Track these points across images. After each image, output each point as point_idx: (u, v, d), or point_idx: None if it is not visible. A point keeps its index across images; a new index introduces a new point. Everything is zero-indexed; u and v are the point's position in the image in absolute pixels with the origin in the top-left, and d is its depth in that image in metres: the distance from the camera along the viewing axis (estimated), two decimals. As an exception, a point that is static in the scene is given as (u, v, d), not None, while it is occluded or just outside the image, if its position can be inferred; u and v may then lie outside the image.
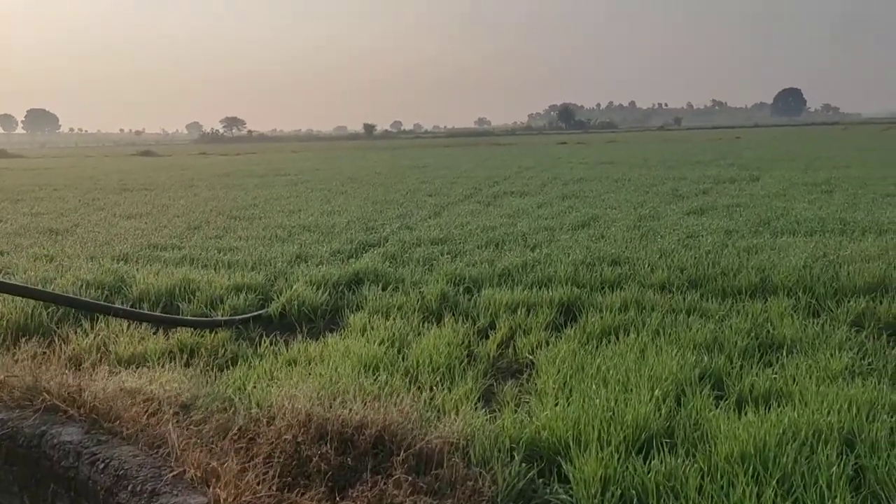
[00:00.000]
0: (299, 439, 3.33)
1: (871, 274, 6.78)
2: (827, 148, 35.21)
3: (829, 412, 3.63)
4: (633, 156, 34.41)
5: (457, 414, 3.94)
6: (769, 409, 3.82)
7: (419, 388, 4.58)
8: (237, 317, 6.58)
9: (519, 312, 6.29)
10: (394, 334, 5.77)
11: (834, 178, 17.55)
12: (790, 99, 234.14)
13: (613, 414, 3.71)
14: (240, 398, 4.22)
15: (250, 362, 5.27)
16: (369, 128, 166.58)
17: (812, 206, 12.11)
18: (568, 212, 12.91)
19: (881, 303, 6.04)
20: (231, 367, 5.26)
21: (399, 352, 5.38)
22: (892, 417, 3.59)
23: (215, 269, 8.36)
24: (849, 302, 6.12)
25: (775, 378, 4.37)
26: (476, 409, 4.13)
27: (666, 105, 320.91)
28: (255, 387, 4.51)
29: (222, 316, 6.66)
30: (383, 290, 7.29)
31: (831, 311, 6.02)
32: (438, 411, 4.10)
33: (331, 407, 3.71)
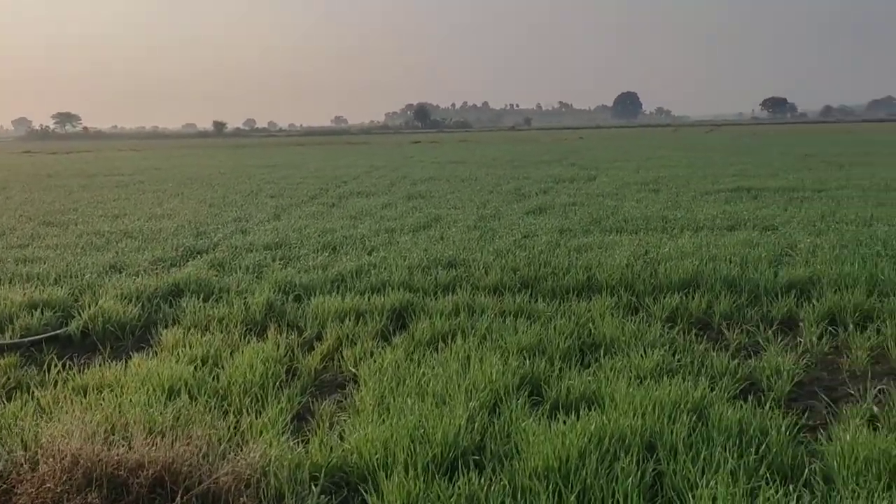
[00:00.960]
0: (60, 488, 2.87)
1: (686, 270, 7.13)
2: (658, 148, 37.77)
3: (634, 415, 3.66)
4: (484, 155, 35.18)
5: (262, 441, 3.61)
6: (581, 414, 3.80)
7: (226, 412, 4.20)
8: (27, 339, 5.82)
9: (348, 321, 6.03)
10: (208, 351, 5.31)
11: (661, 177, 18.72)
12: (628, 102, 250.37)
13: (425, 431, 3.54)
14: (5, 439, 3.65)
15: (32, 392, 4.63)
16: (219, 125, 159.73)
17: (639, 205, 12.77)
18: (412, 212, 12.80)
19: (693, 298, 6.34)
20: (9, 400, 4.59)
21: (211, 371, 4.94)
22: (691, 417, 3.68)
23: (10, 284, 7.42)
24: (665, 298, 6.38)
25: (590, 381, 4.40)
26: (285, 433, 3.82)
27: (517, 106, 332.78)
28: (28, 423, 3.93)
29: (11, 338, 5.87)
30: (205, 301, 6.77)
31: (648, 308, 6.24)
32: (241, 439, 3.75)
33: (108, 445, 3.26)
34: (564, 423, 3.62)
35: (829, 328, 5.63)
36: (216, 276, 7.74)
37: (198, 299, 6.76)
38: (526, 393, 4.25)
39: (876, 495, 2.87)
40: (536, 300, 6.57)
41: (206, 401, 4.34)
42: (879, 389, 4.40)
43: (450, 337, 5.50)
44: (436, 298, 6.69)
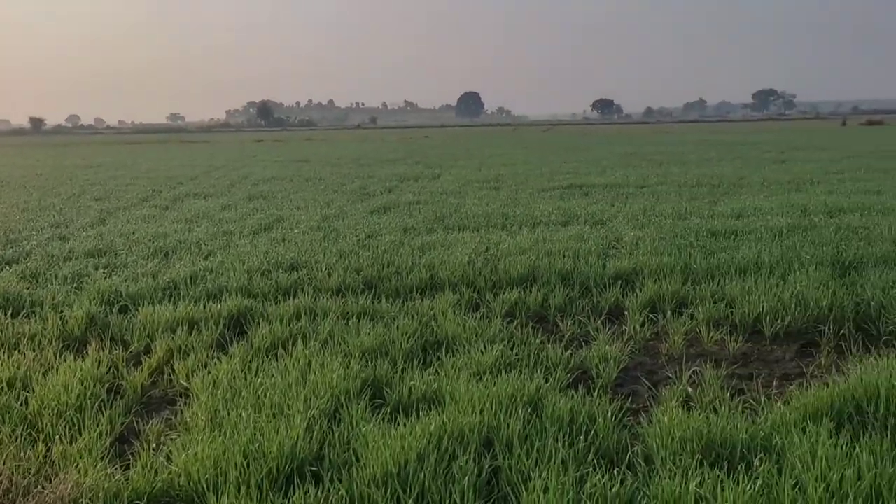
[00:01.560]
0: None
1: (524, 266, 7.39)
2: (499, 147, 39.11)
3: (473, 412, 3.71)
4: (329, 154, 34.72)
5: (75, 470, 3.29)
6: (422, 415, 3.81)
7: (35, 441, 3.79)
8: None
9: (181, 331, 5.67)
10: (15, 373, 4.78)
11: (502, 175, 19.38)
12: (471, 102, 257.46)
13: (261, 445, 3.38)
14: None
15: None
16: (37, 122, 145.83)
17: (481, 203, 13.12)
18: (253, 214, 12.34)
19: (531, 293, 6.58)
20: None
21: (19, 396, 4.45)
22: (527, 410, 3.79)
23: None
24: (504, 294, 6.57)
25: (432, 380, 4.42)
26: (103, 459, 3.50)
27: (363, 104, 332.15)
28: None
29: None
30: (14, 317, 6.10)
31: (489, 304, 6.39)
32: (52, 470, 3.39)
33: None
34: (405, 425, 3.60)
35: (651, 315, 6.05)
36: (28, 288, 7.02)
37: (5, 315, 6.09)
38: (368, 397, 4.20)
39: (690, 472, 3.10)
40: (380, 301, 6.53)
41: (12, 430, 3.89)
42: (693, 371, 4.77)
43: (290, 343, 5.33)
44: (276, 303, 6.47)
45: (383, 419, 3.84)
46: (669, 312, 6.03)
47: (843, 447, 3.22)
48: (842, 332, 5.44)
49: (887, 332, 5.36)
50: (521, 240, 8.95)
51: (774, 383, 4.62)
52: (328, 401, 4.00)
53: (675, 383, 4.54)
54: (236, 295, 6.64)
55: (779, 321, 5.61)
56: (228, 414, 3.89)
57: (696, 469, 3.12)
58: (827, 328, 5.45)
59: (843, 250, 7.61)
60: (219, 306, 6.22)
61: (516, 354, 5.00)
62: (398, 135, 73.69)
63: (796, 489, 2.92)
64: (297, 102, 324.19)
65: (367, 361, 4.81)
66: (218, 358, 5.11)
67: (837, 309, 5.71)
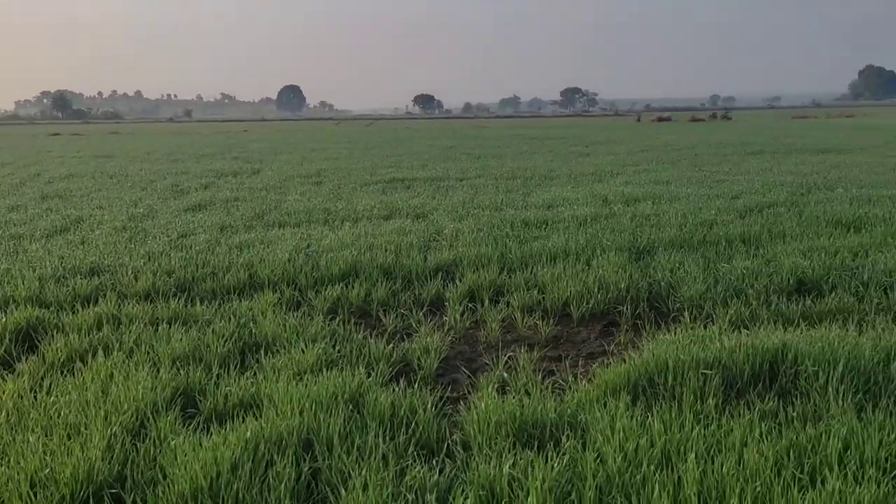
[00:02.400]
0: None
1: (346, 261, 7.32)
2: (322, 141, 38.53)
3: (292, 414, 3.61)
4: (137, 148, 32.34)
5: None
6: (238, 421, 3.64)
7: None
8: None
9: (-46, 351, 4.99)
10: None
11: (324, 169, 19.11)
12: (291, 95, 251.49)
13: (51, 471, 3.05)
14: None
15: None
16: None
17: (303, 198, 12.85)
18: (46, 215, 11.19)
19: (353, 288, 6.54)
20: None
21: None
22: (348, 408, 3.76)
23: None
24: (326, 290, 6.47)
25: (250, 384, 4.25)
26: None
27: (175, 96, 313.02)
28: None
29: None
30: None
31: (311, 301, 6.27)
32: None
33: None
34: (219, 434, 3.42)
35: (470, 305, 6.25)
36: None
37: None
38: (179, 407, 3.95)
39: (504, 455, 3.22)
40: (194, 304, 6.17)
41: None
42: (509, 356, 4.99)
43: (90, 355, 4.88)
44: (74, 312, 5.91)
45: (196, 430, 3.62)
46: (487, 301, 6.26)
47: (638, 418, 3.52)
48: (638, 311, 5.94)
49: (675, 309, 5.92)
50: (344, 235, 8.88)
51: (581, 363, 4.95)
52: (132, 415, 3.70)
53: (492, 369, 4.71)
54: (25, 305, 5.98)
55: (584, 304, 6.01)
56: (13, 440, 3.48)
57: (509, 451, 3.26)
58: (625, 308, 5.93)
59: (638, 236, 8.33)
60: (3, 319, 5.56)
61: (338, 352, 4.94)
62: (215, 128, 70.21)
63: (598, 461, 3.14)
64: (100, 93, 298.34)
65: (178, 369, 4.52)
66: (2, 377, 4.56)
67: (634, 290, 6.23)
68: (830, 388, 3.76)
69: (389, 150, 28.68)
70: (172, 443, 3.38)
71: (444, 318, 5.97)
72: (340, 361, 4.72)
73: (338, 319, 5.79)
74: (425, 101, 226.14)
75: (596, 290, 6.21)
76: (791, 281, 6.43)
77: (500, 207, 11.26)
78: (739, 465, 3.02)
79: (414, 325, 5.76)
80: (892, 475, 2.92)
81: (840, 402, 3.63)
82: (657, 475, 2.97)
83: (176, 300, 6.22)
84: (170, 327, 5.47)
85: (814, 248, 7.61)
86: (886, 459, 3.04)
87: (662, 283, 6.39)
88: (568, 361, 4.98)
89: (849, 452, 3.11)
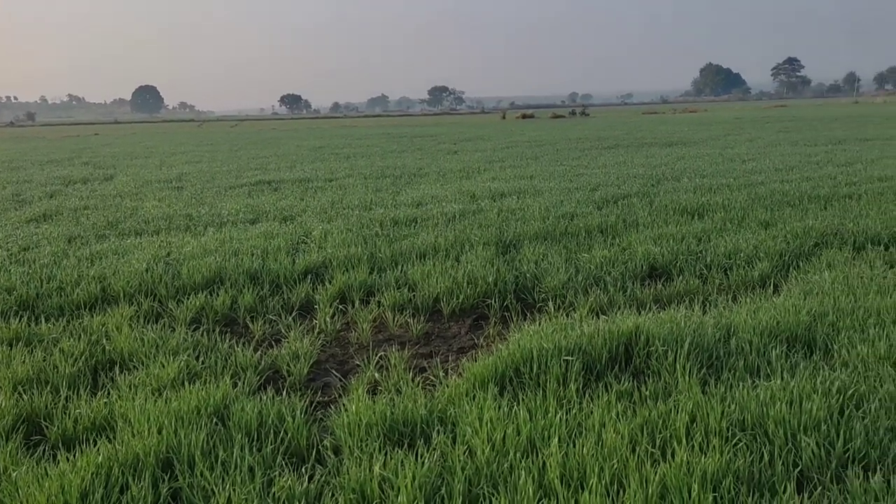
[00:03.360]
0: None
1: (210, 268, 7.02)
2: (183, 144, 36.78)
3: (150, 433, 3.42)
4: (-31, 156, 29.44)
5: None
6: (89, 446, 3.40)
7: None
8: None
9: None
10: None
11: (186, 173, 18.25)
12: (147, 96, 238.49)
13: None
14: None
15: None
16: None
17: (162, 204, 12.20)
18: None
19: (218, 296, 6.28)
20: None
21: None
22: (212, 421, 3.61)
23: None
24: (189, 300, 6.18)
25: (103, 404, 3.98)
26: None
27: (15, 98, 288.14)
28: None
29: None
30: None
31: (172, 312, 5.97)
32: None
33: None
34: (67, 461, 3.18)
35: (341, 307, 6.18)
36: None
37: None
38: (21, 435, 3.63)
39: (375, 456, 3.21)
40: (39, 322, 5.71)
41: None
42: (380, 356, 4.98)
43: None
44: None
45: (41, 459, 3.35)
46: (358, 302, 6.22)
47: (505, 408, 3.61)
48: (506, 304, 6.11)
49: (540, 300, 6.15)
50: (207, 241, 8.52)
51: (451, 358, 5.02)
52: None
53: (363, 371, 4.68)
54: None
55: (455, 299, 6.11)
56: None
57: (380, 452, 3.25)
58: (494, 301, 6.08)
59: (505, 230, 8.57)
60: None
61: (202, 363, 4.73)
62: (62, 132, 65.21)
63: (467, 454, 3.19)
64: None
65: (21, 394, 4.16)
66: None
67: (501, 283, 6.40)
68: (678, 366, 4.03)
69: (256, 151, 27.83)
70: (13, 475, 3.10)
71: (315, 321, 5.86)
72: (204, 374, 4.52)
73: (202, 329, 5.55)
74: (292, 101, 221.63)
75: (465, 285, 6.32)
76: (644, 267, 6.85)
77: (370, 207, 11.21)
78: (598, 445, 3.18)
79: (283, 330, 5.62)
80: (732, 443, 3.17)
81: (686, 378, 3.91)
82: (523, 462, 3.07)
83: (18, 319, 5.72)
84: (11, 349, 5.03)
85: (663, 235, 8.15)
86: (728, 429, 3.29)
87: (528, 276, 6.61)
88: (439, 357, 5.03)
89: (695, 424, 3.35)
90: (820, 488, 2.83)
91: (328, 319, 5.79)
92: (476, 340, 5.40)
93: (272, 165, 20.28)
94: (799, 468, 3.00)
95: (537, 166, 17.41)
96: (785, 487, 2.83)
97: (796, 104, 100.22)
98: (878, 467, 2.95)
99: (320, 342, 5.34)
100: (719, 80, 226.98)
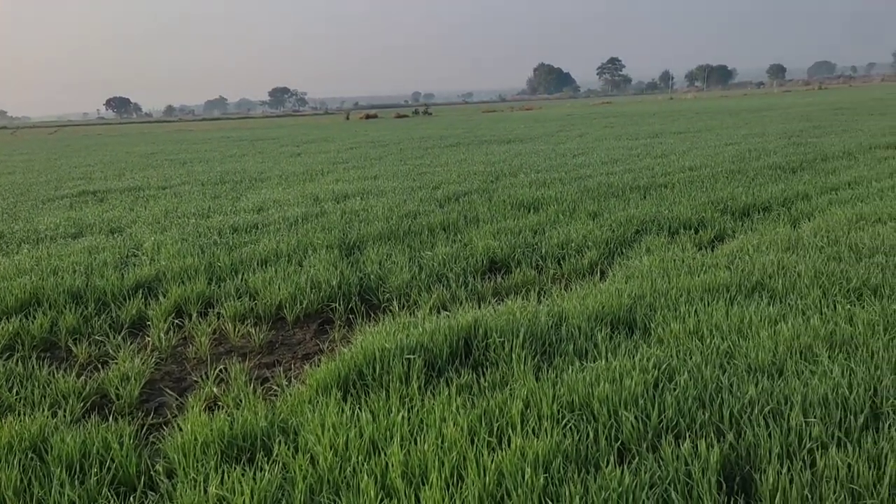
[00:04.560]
0: None
1: (24, 289, 6.42)
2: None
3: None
4: None
5: None
6: None
7: None
8: None
9: None
10: None
11: (-5, 186, 16.54)
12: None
13: None
14: None
15: None
16: None
17: (-34, 221, 10.97)
18: None
19: (34, 319, 5.76)
20: None
21: None
22: (27, 456, 3.30)
23: None
24: (0, 325, 5.62)
25: None
26: None
27: None
28: None
29: None
30: None
31: (-21, 342, 5.39)
32: None
33: None
34: None
35: (177, 321, 5.88)
36: None
37: None
38: None
39: (211, 476, 3.09)
40: None
41: None
42: (220, 370, 4.79)
43: None
44: None
45: None
46: (195, 314, 5.95)
47: (348, 412, 3.61)
48: (351, 306, 6.09)
49: (385, 300, 6.18)
50: (21, 260, 7.78)
51: (295, 365, 4.94)
52: None
53: (202, 386, 4.48)
54: None
55: (298, 305, 6.00)
56: None
57: (216, 471, 3.13)
58: (338, 305, 6.04)
59: (348, 232, 8.53)
60: None
61: (16, 395, 4.32)
62: None
63: (309, 462, 3.15)
64: None
65: None
66: None
67: (346, 286, 6.37)
68: (514, 356, 4.22)
69: (79, 159, 25.76)
70: None
71: (148, 338, 5.54)
72: (18, 405, 4.13)
73: (16, 357, 5.07)
74: (120, 104, 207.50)
75: (309, 290, 6.23)
76: (484, 261, 7.09)
77: (208, 214, 10.74)
78: (439, 440, 3.25)
79: (111, 350, 5.25)
80: (563, 425, 3.36)
81: (521, 366, 4.09)
82: (366, 465, 3.08)
83: None
84: None
85: (502, 229, 8.47)
86: (558, 412, 3.49)
87: (372, 276, 6.63)
88: (283, 366, 4.93)
89: (528, 410, 3.52)
90: (637, 458, 3.07)
91: (162, 336, 5.49)
92: (321, 346, 5.34)
93: (98, 174, 18.88)
94: (620, 441, 3.24)
95: (381, 166, 17.48)
96: (608, 461, 3.05)
97: (619, 101, 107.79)
98: (687, 434, 3.25)
99: (154, 360, 5.05)
100: (552, 80, 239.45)
